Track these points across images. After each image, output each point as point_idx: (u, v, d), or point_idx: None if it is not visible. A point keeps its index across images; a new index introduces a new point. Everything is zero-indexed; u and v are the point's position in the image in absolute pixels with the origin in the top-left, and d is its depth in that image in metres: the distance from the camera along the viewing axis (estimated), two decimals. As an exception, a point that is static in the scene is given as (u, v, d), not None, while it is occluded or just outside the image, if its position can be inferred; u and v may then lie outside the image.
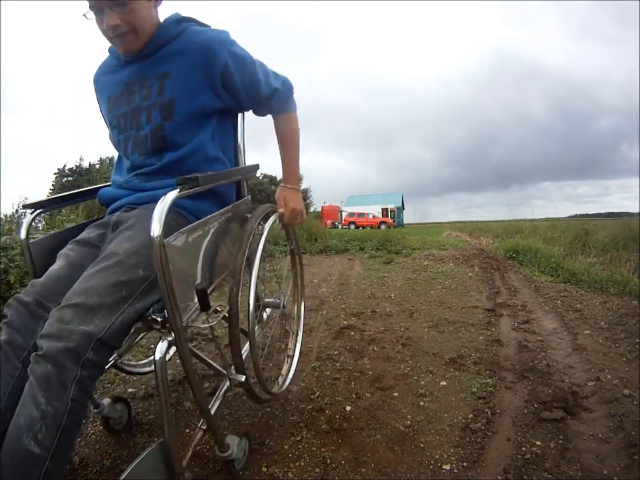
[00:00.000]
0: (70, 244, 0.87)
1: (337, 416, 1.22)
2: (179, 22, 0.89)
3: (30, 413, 0.60)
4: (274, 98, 0.97)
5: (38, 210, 0.97)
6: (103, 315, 0.66)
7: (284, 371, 1.27)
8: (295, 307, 1.39)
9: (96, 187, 1.07)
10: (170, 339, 0.67)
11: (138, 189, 0.89)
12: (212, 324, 0.74)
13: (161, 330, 0.70)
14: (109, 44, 0.90)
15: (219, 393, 0.92)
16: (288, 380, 1.23)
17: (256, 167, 1.08)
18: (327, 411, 1.25)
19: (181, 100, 0.86)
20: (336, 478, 0.96)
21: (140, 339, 1.22)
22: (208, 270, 0.82)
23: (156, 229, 0.62)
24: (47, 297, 0.74)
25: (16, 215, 3.27)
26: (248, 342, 0.92)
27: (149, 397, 1.34)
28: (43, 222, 3.37)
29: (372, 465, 1.00)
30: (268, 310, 1.20)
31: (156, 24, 0.87)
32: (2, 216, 3.22)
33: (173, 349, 0.70)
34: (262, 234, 0.94)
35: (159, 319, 0.70)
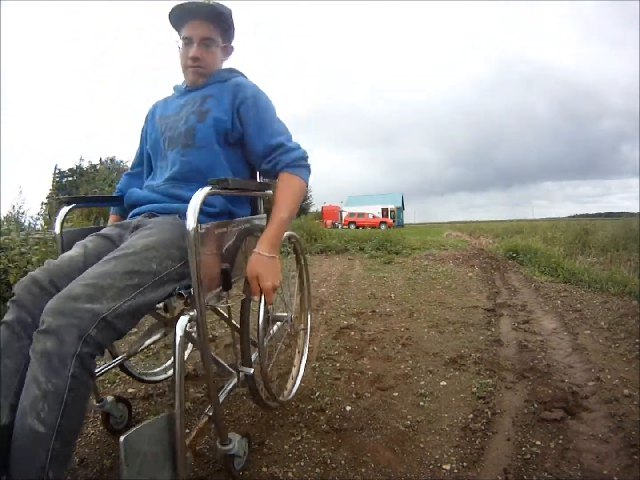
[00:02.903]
0: (90, 236, 0.93)
1: (337, 416, 1.22)
2: (231, 71, 1.10)
3: (32, 393, 0.61)
4: (280, 151, 0.98)
5: (72, 205, 1.06)
6: (112, 296, 0.68)
7: (289, 384, 1.30)
8: (302, 321, 1.44)
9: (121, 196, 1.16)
10: (192, 314, 0.73)
11: (166, 194, 0.98)
12: (229, 304, 0.87)
13: (185, 305, 0.77)
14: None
15: (227, 387, 0.94)
16: (295, 388, 1.27)
17: (272, 186, 1.11)
18: (327, 411, 1.25)
19: (214, 111, 1.00)
20: (336, 478, 0.96)
21: (150, 344, 1.26)
22: (228, 264, 0.89)
23: (191, 214, 0.71)
24: (59, 277, 0.76)
25: (16, 215, 3.27)
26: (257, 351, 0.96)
27: (149, 397, 1.34)
28: (42, 222, 3.37)
29: (372, 465, 1.00)
30: (278, 323, 1.22)
31: (217, 69, 1.08)
32: (2, 216, 3.22)
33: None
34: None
35: (184, 295, 0.76)
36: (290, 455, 1.04)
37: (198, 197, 0.73)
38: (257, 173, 1.12)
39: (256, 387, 0.97)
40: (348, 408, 1.27)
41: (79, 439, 1.10)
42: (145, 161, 1.15)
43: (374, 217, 24.51)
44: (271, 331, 1.16)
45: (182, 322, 0.71)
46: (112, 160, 15.55)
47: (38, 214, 3.71)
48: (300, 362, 1.37)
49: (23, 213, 3.30)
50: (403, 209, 35.68)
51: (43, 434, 0.60)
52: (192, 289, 0.73)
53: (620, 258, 5.16)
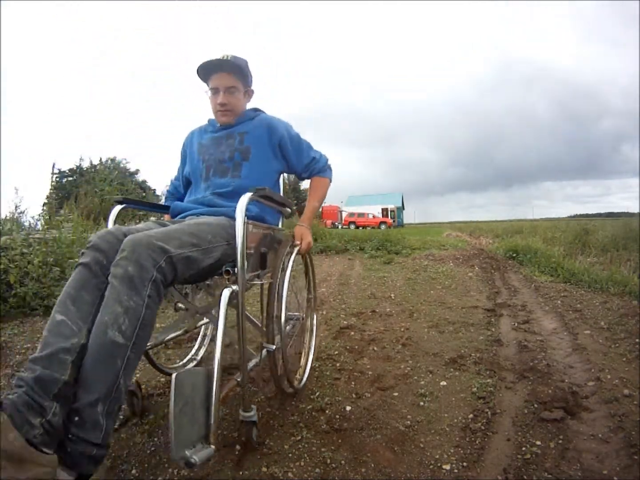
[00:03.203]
0: (148, 221, 1.15)
1: (337, 416, 1.22)
2: (255, 110, 1.38)
3: (113, 310, 0.74)
4: (313, 163, 1.39)
5: (123, 205, 1.23)
6: (176, 244, 0.86)
7: (301, 369, 1.45)
8: (309, 321, 1.59)
9: (167, 205, 1.39)
10: (234, 287, 0.90)
11: (212, 204, 1.20)
12: (263, 282, 1.12)
13: (228, 281, 0.93)
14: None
15: (250, 364, 1.07)
16: (305, 377, 1.41)
17: (293, 206, 1.42)
18: (327, 411, 1.25)
19: (255, 150, 1.28)
20: (336, 478, 0.96)
21: (172, 338, 1.40)
22: (259, 257, 1.11)
23: (240, 210, 0.93)
24: (131, 232, 0.91)
25: (16, 215, 3.26)
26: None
27: (149, 396, 1.34)
28: (42, 222, 3.37)
29: (372, 465, 1.00)
30: (291, 322, 1.38)
31: (243, 110, 1.35)
32: (2, 216, 3.22)
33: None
34: (288, 265, 1.18)
35: (231, 271, 0.93)
36: (290, 455, 1.04)
37: (246, 197, 0.96)
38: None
39: (276, 363, 1.13)
40: (348, 408, 1.27)
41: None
42: (185, 177, 1.42)
43: (374, 217, 24.50)
44: (288, 327, 1.28)
45: (226, 294, 0.88)
46: (112, 160, 15.54)
47: (38, 213, 3.70)
48: (310, 347, 1.54)
49: (23, 212, 3.30)
50: (403, 209, 35.68)
51: (122, 345, 0.73)
52: (237, 268, 0.91)
53: (620, 258, 5.15)
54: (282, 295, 1.11)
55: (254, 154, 1.26)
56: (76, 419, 0.69)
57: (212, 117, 1.38)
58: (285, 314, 1.11)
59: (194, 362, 1.57)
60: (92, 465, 0.70)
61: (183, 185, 1.44)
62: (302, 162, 1.37)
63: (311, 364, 1.49)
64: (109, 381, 0.71)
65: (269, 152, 1.30)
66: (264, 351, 1.10)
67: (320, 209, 26.32)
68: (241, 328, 0.92)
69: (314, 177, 1.40)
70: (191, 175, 1.35)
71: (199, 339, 1.65)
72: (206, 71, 1.26)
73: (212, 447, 0.78)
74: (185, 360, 1.58)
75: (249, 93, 1.36)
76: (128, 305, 0.74)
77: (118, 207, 1.20)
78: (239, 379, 0.97)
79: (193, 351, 1.62)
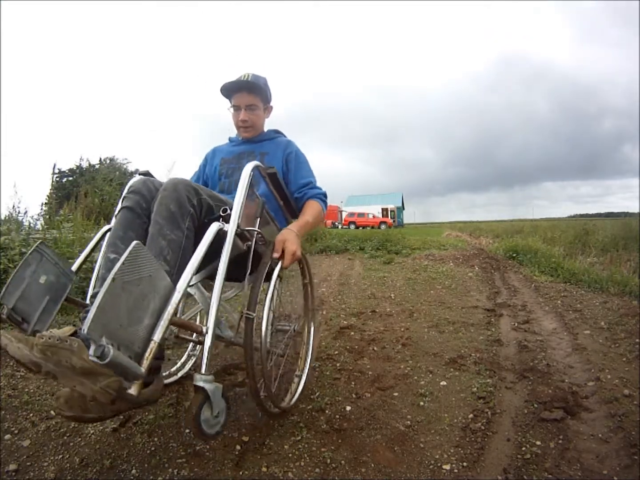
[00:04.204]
0: None
1: (337, 416, 1.22)
2: (276, 132, 1.51)
3: (158, 244, 0.87)
4: (309, 187, 1.38)
5: (147, 177, 1.22)
6: (206, 192, 1.00)
7: (292, 389, 1.31)
8: (306, 332, 1.47)
9: None
10: (225, 225, 0.92)
11: None
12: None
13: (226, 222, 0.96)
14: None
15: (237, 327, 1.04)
16: (296, 397, 1.26)
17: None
18: (327, 411, 1.25)
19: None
20: (336, 478, 0.96)
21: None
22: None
23: (245, 174, 1.02)
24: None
25: (16, 215, 3.26)
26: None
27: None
28: (42, 222, 3.37)
29: (372, 465, 1.00)
30: (279, 333, 1.30)
31: (263, 125, 1.47)
32: (1, 216, 3.21)
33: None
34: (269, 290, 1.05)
35: (228, 210, 0.96)
36: (290, 455, 1.04)
37: (254, 162, 1.07)
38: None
39: (252, 328, 0.96)
40: (348, 408, 1.27)
41: (79, 439, 1.10)
42: (203, 182, 1.50)
43: (374, 217, 24.50)
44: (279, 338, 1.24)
45: (215, 227, 0.90)
46: (112, 160, 15.54)
47: (38, 214, 3.70)
48: (300, 380, 1.35)
49: (25, 212, 3.29)
50: (403, 208, 35.69)
51: (167, 271, 0.80)
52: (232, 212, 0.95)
53: (620, 258, 5.15)
54: (261, 329, 0.99)
55: None
56: None
57: (232, 134, 1.51)
58: (267, 343, 1.02)
59: (193, 359, 1.56)
60: (155, 376, 0.79)
61: None
62: (298, 181, 1.38)
63: (302, 387, 1.33)
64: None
65: (281, 172, 1.36)
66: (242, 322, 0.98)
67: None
68: (222, 269, 0.87)
69: (309, 201, 1.35)
70: (210, 184, 1.45)
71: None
72: (229, 90, 1.37)
73: (142, 369, 0.66)
74: (183, 359, 1.55)
75: (268, 109, 1.47)
76: (170, 238, 0.88)
77: (142, 178, 1.20)
78: (204, 329, 0.82)
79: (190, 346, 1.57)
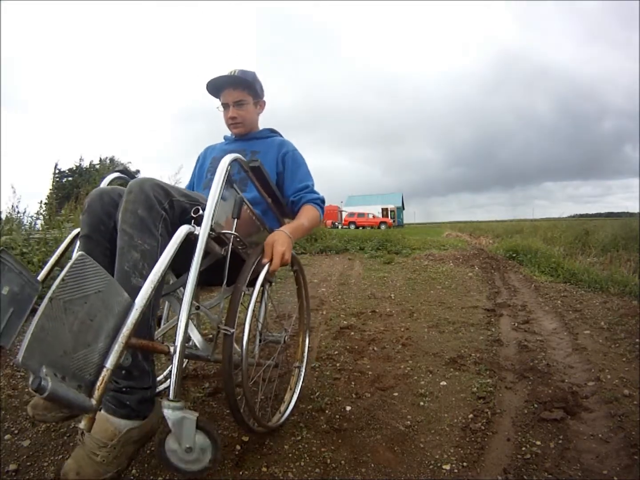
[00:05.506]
0: None
1: (337, 416, 1.22)
2: (272, 131, 1.42)
3: (131, 257, 0.75)
4: (306, 191, 1.29)
5: (121, 175, 1.19)
6: (177, 192, 0.87)
7: (282, 407, 1.21)
8: (300, 347, 1.40)
9: None
10: (196, 228, 0.80)
11: None
12: (235, 234, 0.97)
13: (194, 222, 0.85)
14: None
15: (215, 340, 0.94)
16: (286, 415, 1.17)
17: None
18: (327, 411, 1.25)
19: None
20: (336, 478, 0.96)
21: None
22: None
23: (221, 168, 0.88)
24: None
25: (17, 215, 3.26)
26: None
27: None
28: (42, 222, 3.37)
29: (372, 465, 1.00)
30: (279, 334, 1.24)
31: (256, 122, 1.39)
32: (2, 216, 3.21)
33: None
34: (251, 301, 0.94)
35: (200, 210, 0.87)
36: (290, 455, 1.04)
37: (232, 155, 0.93)
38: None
39: (231, 345, 0.85)
40: (348, 408, 1.27)
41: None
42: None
43: (374, 217, 24.51)
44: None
45: (184, 229, 0.78)
46: (111, 160, 15.56)
47: (37, 213, 3.70)
48: (291, 398, 1.25)
49: (25, 212, 3.29)
50: (403, 208, 35.70)
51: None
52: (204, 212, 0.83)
53: (620, 258, 5.15)
54: (242, 344, 0.87)
55: None
56: (123, 372, 0.73)
57: (226, 133, 1.42)
58: (247, 357, 0.88)
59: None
60: (152, 405, 0.78)
61: None
62: (294, 184, 1.29)
63: (294, 403, 1.24)
64: (141, 327, 0.71)
65: (274, 172, 1.29)
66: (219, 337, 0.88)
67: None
68: (192, 279, 0.75)
69: (306, 205, 1.26)
70: (195, 184, 1.40)
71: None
72: (215, 88, 1.29)
73: (93, 401, 0.57)
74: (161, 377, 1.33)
75: (260, 104, 1.38)
76: (144, 249, 0.76)
77: (115, 175, 1.15)
78: (172, 349, 0.71)
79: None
